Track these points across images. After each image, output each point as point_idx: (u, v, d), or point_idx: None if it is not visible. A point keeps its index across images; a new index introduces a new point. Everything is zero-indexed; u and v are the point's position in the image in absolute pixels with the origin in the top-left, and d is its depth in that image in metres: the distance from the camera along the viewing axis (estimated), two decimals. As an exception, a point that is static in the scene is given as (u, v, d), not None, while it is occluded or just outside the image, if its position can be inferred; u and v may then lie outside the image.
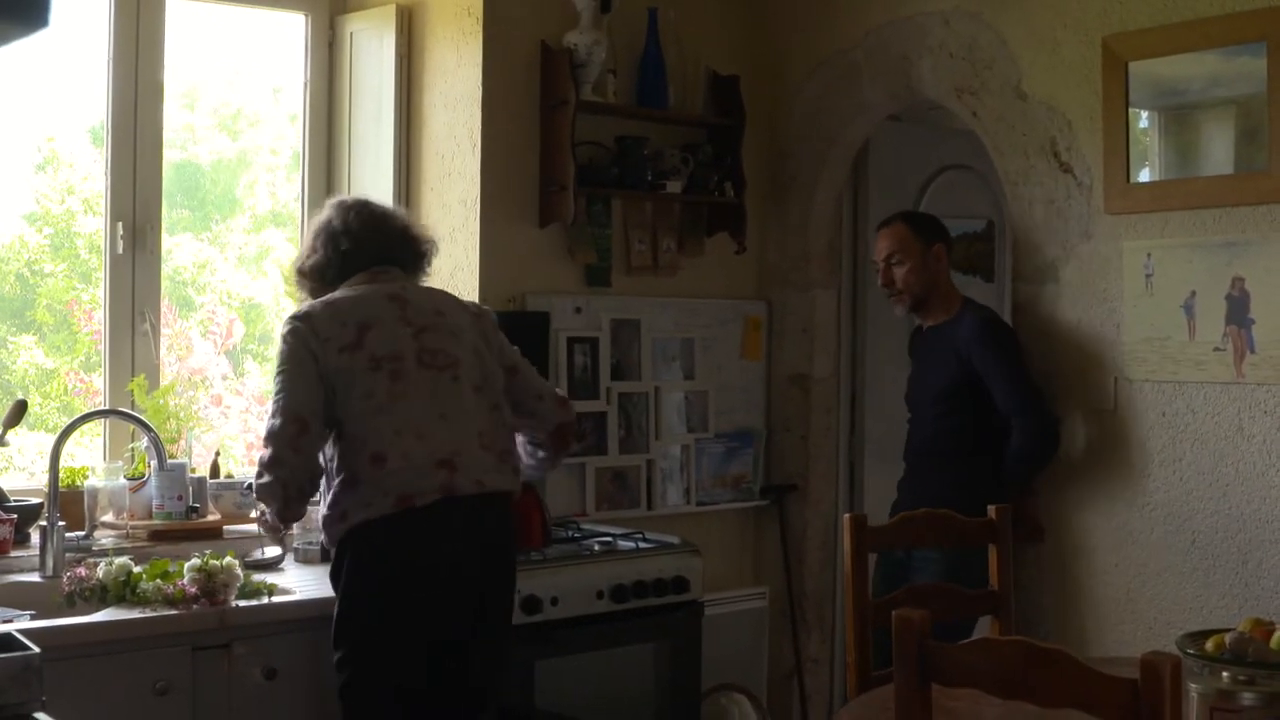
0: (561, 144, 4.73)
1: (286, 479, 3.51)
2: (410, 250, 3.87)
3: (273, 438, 3.51)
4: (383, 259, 3.79)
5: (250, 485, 4.39)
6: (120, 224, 4.47)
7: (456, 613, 3.58)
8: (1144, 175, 4.33)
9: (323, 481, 3.61)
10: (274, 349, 3.72)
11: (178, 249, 4.99)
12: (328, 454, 3.60)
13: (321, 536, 3.71)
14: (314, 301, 3.72)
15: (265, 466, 3.52)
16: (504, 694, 3.77)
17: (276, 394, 3.56)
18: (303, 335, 3.56)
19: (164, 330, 4.65)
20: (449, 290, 4.76)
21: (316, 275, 3.81)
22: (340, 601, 3.53)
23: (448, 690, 3.63)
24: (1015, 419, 4.49)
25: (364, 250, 3.78)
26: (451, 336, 3.71)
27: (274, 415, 3.54)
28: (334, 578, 3.58)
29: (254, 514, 4.05)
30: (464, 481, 3.55)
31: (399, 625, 3.49)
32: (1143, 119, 4.37)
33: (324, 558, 4.21)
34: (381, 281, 3.75)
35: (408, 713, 3.53)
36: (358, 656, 3.49)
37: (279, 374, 3.57)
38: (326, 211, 3.88)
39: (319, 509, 3.65)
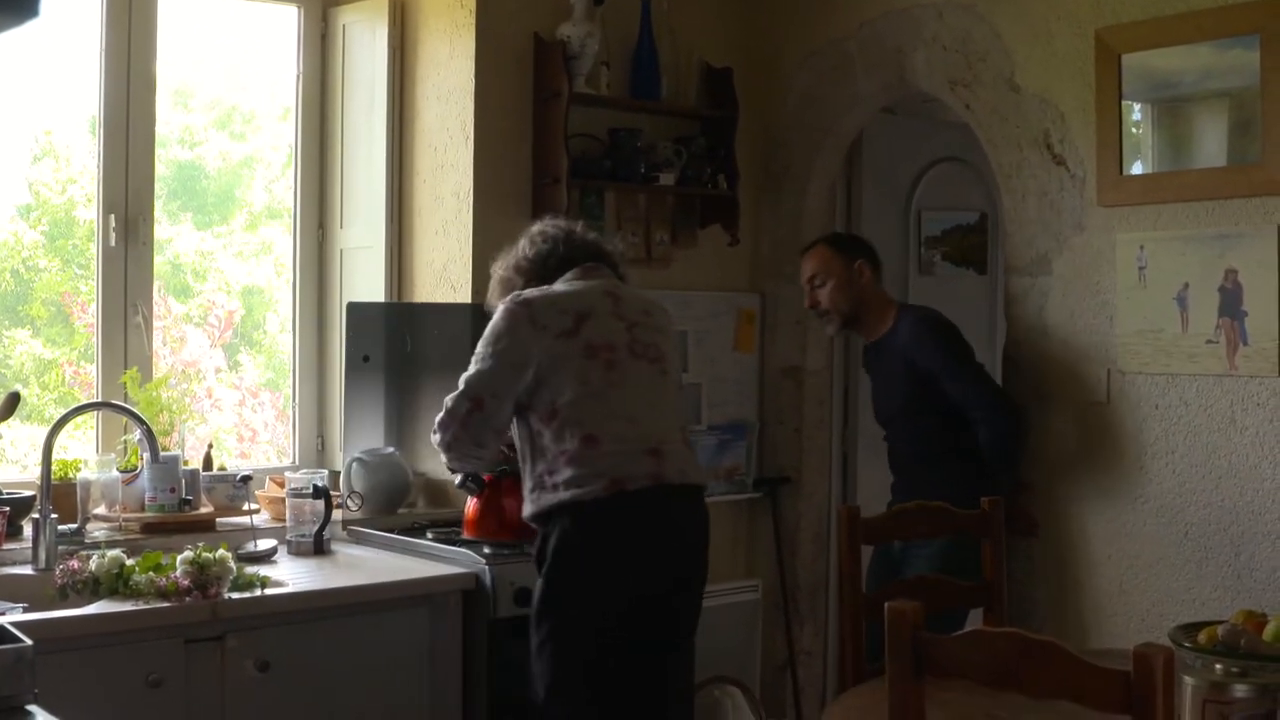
0: (555, 136, 4.73)
1: (450, 442, 3.77)
2: (612, 259, 4.02)
3: (448, 410, 3.75)
4: (595, 257, 3.95)
5: (243, 477, 4.41)
6: (113, 216, 4.46)
7: (660, 598, 3.69)
8: (1137, 168, 4.33)
9: (525, 462, 3.75)
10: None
11: (178, 238, 4.99)
12: (538, 434, 3.71)
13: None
14: (534, 290, 3.83)
15: (436, 427, 3.78)
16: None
17: (473, 365, 3.74)
18: (519, 319, 3.72)
19: (159, 322, 4.64)
20: (443, 282, 4.77)
21: (538, 265, 3.92)
22: (545, 582, 3.64)
23: (643, 679, 3.73)
24: (974, 414, 4.47)
25: (584, 247, 3.95)
26: (659, 333, 3.88)
27: (461, 385, 3.74)
28: (538, 558, 3.68)
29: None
30: (670, 470, 3.68)
31: (606, 607, 3.60)
32: (1136, 111, 4.37)
33: (316, 550, 4.21)
34: (595, 277, 3.88)
35: (604, 696, 3.63)
36: (561, 637, 3.60)
37: (482, 347, 3.75)
38: (539, 224, 4.04)
39: (524, 489, 3.77)
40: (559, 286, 3.83)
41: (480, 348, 3.75)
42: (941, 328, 4.61)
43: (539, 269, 3.91)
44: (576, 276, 3.86)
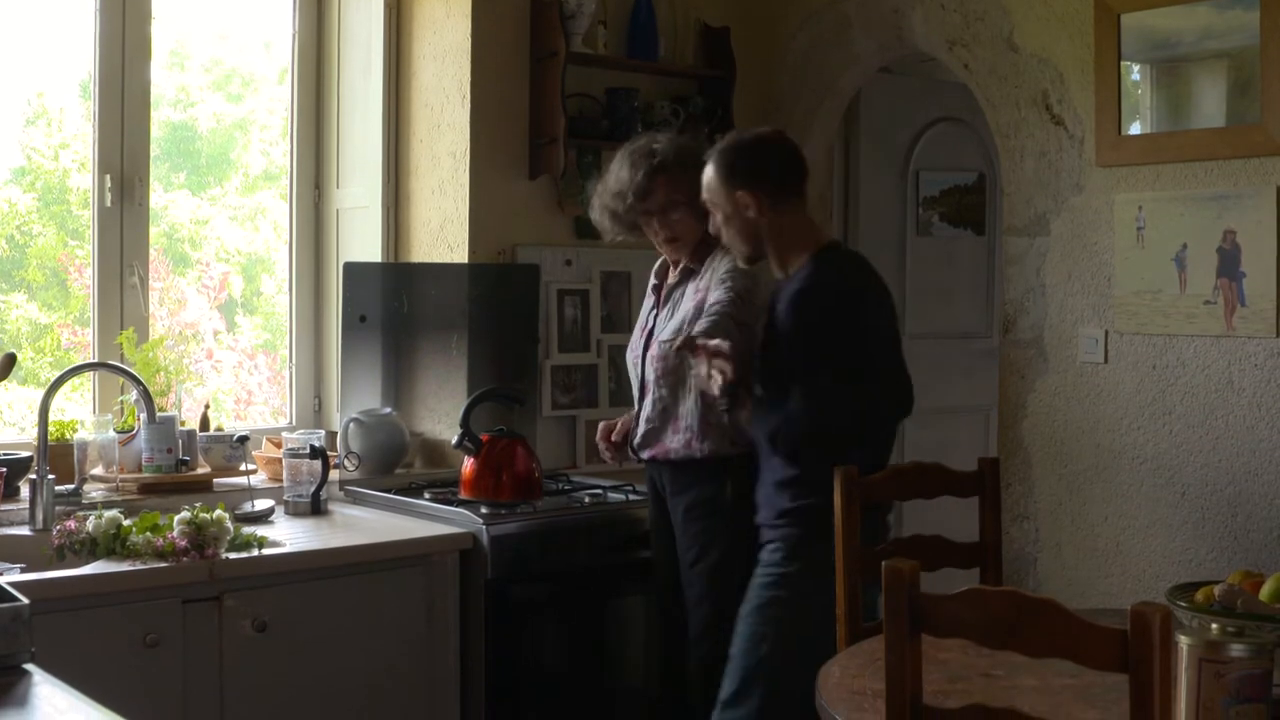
0: (551, 96, 4.72)
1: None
2: None
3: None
4: None
5: (240, 438, 4.40)
6: (108, 177, 4.45)
7: None
8: (1135, 128, 4.32)
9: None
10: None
11: (174, 205, 4.98)
12: None
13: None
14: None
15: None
16: None
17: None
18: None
19: (156, 284, 4.63)
20: (440, 242, 4.76)
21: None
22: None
23: None
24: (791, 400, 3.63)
25: None
26: None
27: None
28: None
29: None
30: None
31: None
32: (1134, 72, 4.36)
33: (314, 510, 4.22)
34: None
35: None
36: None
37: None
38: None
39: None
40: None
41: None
42: (830, 299, 3.60)
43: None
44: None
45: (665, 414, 3.94)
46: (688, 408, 3.88)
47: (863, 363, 3.59)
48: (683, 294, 3.97)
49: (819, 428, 3.60)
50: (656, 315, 4.04)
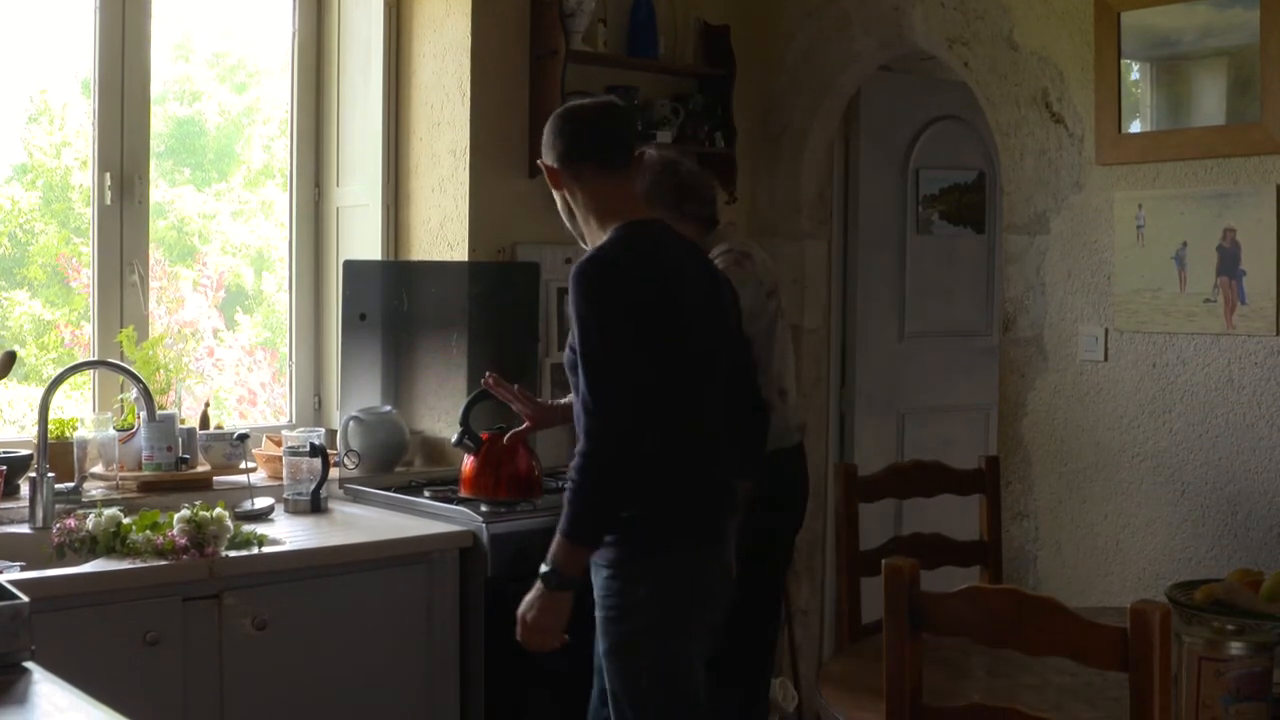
0: (551, 94, 4.71)
1: None
2: None
3: None
4: None
5: (240, 436, 4.40)
6: (108, 175, 4.45)
7: None
8: (1135, 126, 4.32)
9: None
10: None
11: (179, 200, 4.98)
12: None
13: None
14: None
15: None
16: None
17: None
18: None
19: (154, 283, 4.63)
20: (439, 240, 4.76)
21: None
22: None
23: None
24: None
25: None
26: None
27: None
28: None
29: None
30: None
31: None
32: (1134, 70, 4.36)
33: (313, 508, 4.22)
34: None
35: None
36: None
37: None
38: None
39: None
40: None
41: None
42: (593, 283, 3.14)
43: None
44: None
45: None
46: None
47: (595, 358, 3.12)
48: None
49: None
50: None
